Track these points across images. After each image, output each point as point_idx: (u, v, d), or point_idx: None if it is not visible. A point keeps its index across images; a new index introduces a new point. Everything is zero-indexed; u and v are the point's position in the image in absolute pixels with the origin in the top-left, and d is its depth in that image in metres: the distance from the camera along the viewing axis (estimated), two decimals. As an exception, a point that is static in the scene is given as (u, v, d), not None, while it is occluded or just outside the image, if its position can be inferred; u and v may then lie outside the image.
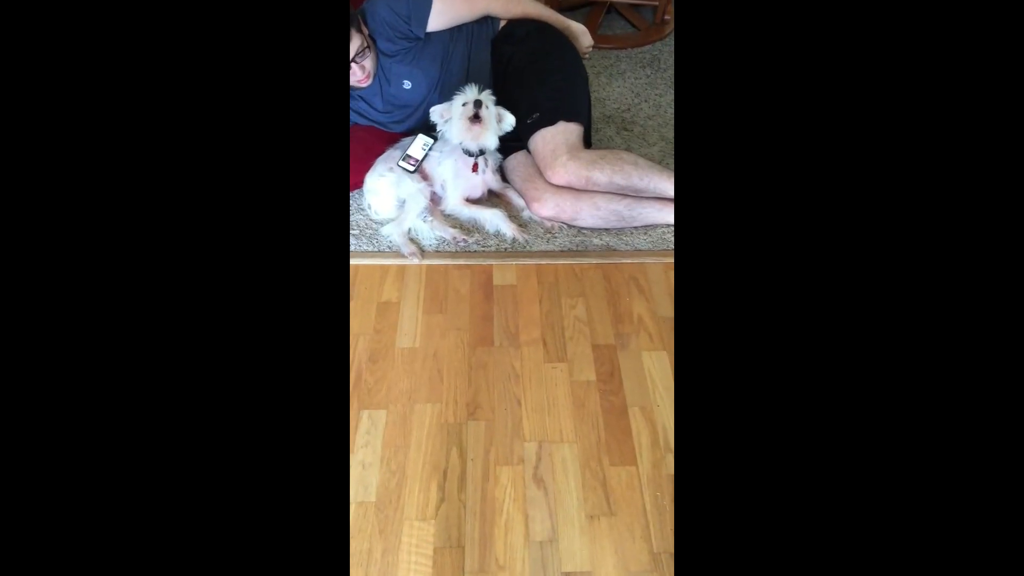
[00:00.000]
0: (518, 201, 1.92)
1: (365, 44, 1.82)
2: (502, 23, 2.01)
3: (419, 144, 1.89)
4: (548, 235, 1.85)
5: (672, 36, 2.67)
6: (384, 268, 1.77)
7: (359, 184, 1.93)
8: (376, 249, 1.82)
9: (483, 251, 1.82)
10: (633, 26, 2.73)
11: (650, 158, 1.95)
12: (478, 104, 1.77)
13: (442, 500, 1.31)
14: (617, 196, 1.84)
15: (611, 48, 2.62)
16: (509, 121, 1.84)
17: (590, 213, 1.83)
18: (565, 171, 1.79)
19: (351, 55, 1.78)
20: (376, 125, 2.05)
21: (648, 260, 1.80)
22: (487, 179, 1.93)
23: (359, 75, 1.85)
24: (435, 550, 1.24)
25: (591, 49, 2.10)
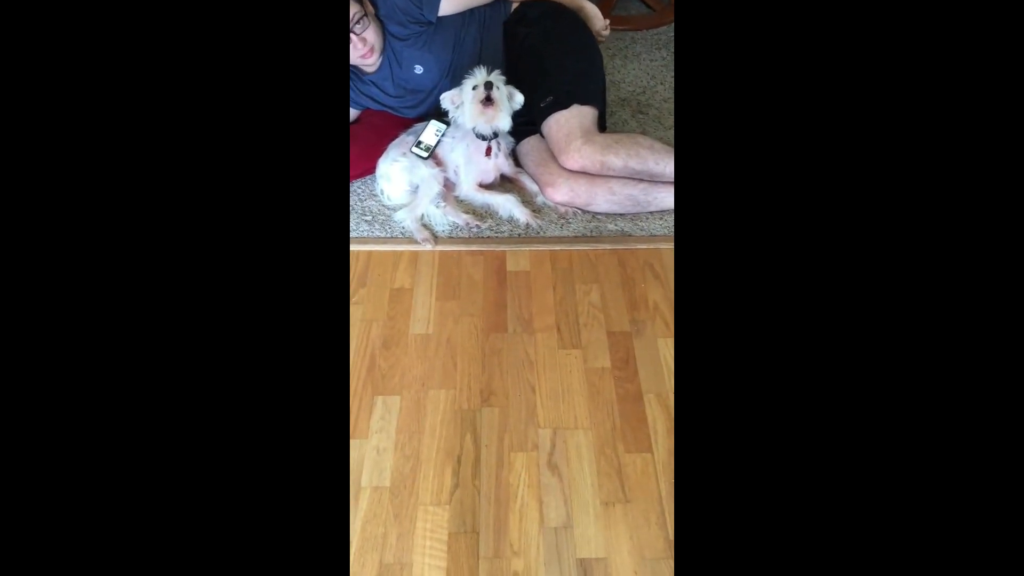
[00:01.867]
0: (532, 186, 1.90)
1: (363, 12, 1.76)
2: (514, 5, 1.99)
3: (432, 129, 1.88)
4: (562, 221, 1.83)
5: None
6: (397, 254, 1.77)
7: (372, 170, 1.93)
8: (389, 235, 1.81)
9: (496, 237, 1.81)
10: (648, 7, 2.69)
11: (666, 142, 1.92)
12: (489, 86, 1.75)
13: (456, 486, 1.31)
14: (632, 181, 1.81)
15: (626, 29, 2.58)
16: (518, 99, 1.82)
17: (605, 198, 1.81)
18: (580, 155, 1.77)
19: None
20: (388, 110, 2.03)
21: (663, 246, 1.78)
22: (500, 164, 1.91)
23: (361, 49, 1.79)
24: (450, 535, 1.24)
25: (607, 32, 2.06)
